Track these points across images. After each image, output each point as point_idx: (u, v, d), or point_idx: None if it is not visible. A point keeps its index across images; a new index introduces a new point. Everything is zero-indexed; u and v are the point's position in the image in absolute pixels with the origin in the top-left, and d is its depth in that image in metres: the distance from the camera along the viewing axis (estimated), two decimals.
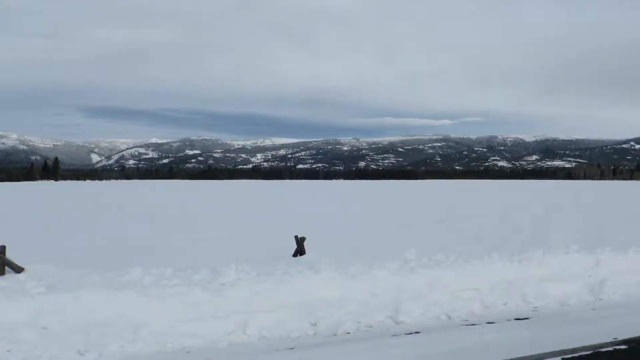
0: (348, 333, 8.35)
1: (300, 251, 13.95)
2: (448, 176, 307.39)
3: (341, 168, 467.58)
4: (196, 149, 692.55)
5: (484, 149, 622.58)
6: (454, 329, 8.57)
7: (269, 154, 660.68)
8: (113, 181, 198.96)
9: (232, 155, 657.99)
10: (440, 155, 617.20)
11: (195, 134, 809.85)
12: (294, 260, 12.69)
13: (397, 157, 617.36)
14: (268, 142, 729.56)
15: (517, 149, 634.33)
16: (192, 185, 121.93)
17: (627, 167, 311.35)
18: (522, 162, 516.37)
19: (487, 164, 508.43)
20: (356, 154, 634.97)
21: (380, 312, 8.95)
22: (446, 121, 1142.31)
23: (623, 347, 7.49)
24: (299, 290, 9.00)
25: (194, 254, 15.23)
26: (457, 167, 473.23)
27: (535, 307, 9.87)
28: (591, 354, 7.19)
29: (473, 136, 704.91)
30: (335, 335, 8.25)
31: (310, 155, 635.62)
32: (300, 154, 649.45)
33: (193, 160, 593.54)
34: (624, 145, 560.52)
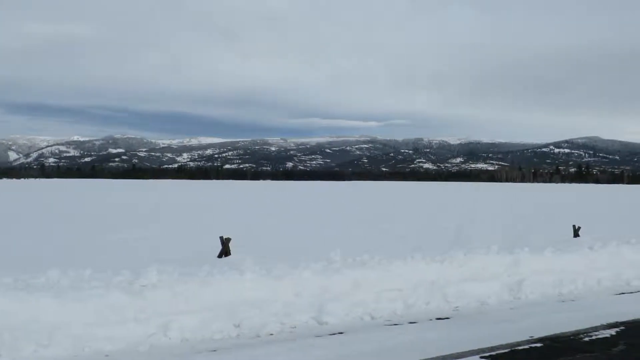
0: (271, 334, 8.29)
1: (225, 252, 13.84)
2: (375, 177, 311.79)
3: (269, 168, 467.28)
4: (120, 148, 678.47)
5: (410, 151, 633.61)
6: (377, 329, 8.63)
7: (195, 154, 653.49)
8: (32, 180, 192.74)
9: (158, 154, 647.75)
10: (368, 157, 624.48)
11: (119, 132, 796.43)
12: (218, 261, 12.57)
13: (324, 158, 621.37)
14: (194, 141, 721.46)
15: (442, 152, 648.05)
16: (115, 185, 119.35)
17: (546, 170, 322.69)
18: (447, 165, 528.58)
19: (413, 165, 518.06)
20: (284, 155, 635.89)
21: (305, 313, 8.93)
22: (373, 123, 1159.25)
23: (538, 345, 7.72)
24: (223, 291, 8.89)
25: (114, 254, 14.86)
26: (384, 169, 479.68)
27: (456, 307, 10.06)
28: (508, 352, 7.37)
29: (399, 138, 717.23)
30: (258, 336, 8.18)
31: (238, 156, 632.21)
32: (227, 154, 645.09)
33: (117, 159, 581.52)
34: (544, 149, 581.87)
